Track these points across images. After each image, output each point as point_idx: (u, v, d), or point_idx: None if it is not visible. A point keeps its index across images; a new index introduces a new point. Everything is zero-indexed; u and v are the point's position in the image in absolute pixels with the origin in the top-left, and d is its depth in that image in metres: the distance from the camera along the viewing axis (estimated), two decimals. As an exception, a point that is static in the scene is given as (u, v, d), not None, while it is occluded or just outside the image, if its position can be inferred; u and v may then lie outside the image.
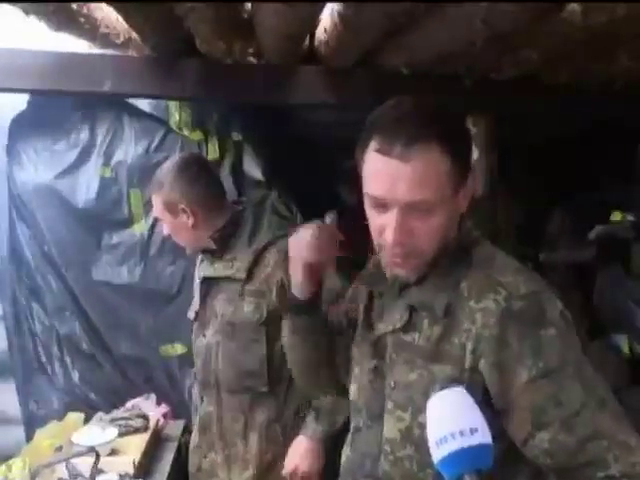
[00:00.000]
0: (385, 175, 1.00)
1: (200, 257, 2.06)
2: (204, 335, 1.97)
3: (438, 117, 1.03)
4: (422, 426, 1.04)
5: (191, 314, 2.04)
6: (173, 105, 2.89)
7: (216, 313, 1.93)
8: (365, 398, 1.18)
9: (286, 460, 1.88)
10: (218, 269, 1.93)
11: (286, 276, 1.77)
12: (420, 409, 1.04)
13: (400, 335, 1.11)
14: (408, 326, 1.09)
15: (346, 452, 1.24)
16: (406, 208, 1.00)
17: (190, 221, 1.91)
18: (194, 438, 2.08)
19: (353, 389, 1.23)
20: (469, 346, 1.01)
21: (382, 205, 1.03)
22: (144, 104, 2.90)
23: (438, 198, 1.01)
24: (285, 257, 1.79)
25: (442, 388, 1.00)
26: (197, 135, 2.93)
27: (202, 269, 2.00)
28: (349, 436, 1.24)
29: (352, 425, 1.23)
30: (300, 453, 1.86)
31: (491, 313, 0.99)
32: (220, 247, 1.93)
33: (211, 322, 1.95)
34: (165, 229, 2.00)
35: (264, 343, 1.86)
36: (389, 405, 1.10)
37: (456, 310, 1.04)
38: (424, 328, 1.07)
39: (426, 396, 1.03)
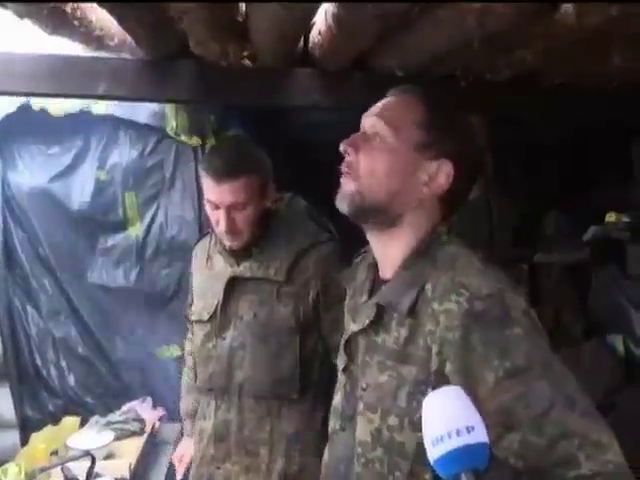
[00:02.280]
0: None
1: (205, 256, 1.92)
2: (223, 337, 1.83)
3: (436, 92, 1.19)
4: (391, 428, 1.04)
5: (203, 315, 1.87)
6: (169, 111, 2.90)
7: (239, 314, 1.81)
8: (340, 400, 1.19)
9: None
10: (250, 269, 1.80)
11: (323, 282, 1.77)
12: (389, 411, 1.05)
13: (371, 336, 1.11)
14: (378, 327, 1.09)
15: (324, 456, 1.24)
16: (369, 129, 1.12)
17: (271, 202, 1.80)
18: (202, 448, 1.90)
19: (336, 392, 1.23)
20: (434, 348, 1.00)
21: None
22: (141, 113, 2.89)
23: (394, 131, 1.09)
24: (324, 263, 1.78)
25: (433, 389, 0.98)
26: (195, 141, 2.94)
27: (221, 268, 1.85)
28: (328, 439, 1.24)
29: (329, 428, 1.23)
30: None
31: (454, 315, 0.98)
32: (253, 244, 1.80)
33: (232, 323, 1.82)
34: (241, 218, 1.73)
35: (297, 347, 1.78)
36: (360, 407, 1.10)
37: (420, 311, 1.04)
38: (392, 329, 1.07)
39: (395, 398, 1.03)
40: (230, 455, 1.84)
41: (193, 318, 1.94)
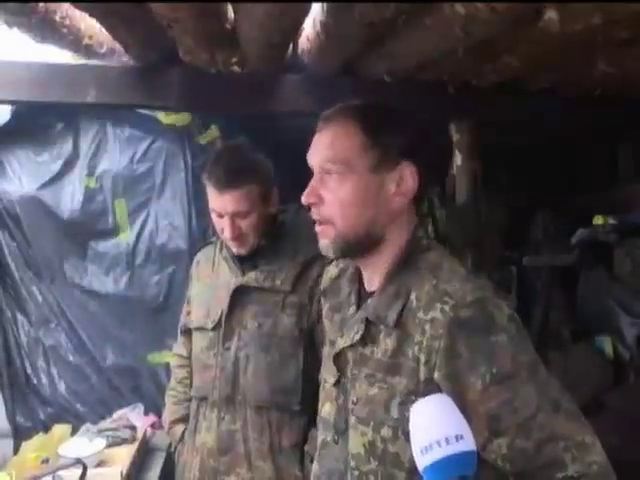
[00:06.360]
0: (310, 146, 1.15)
1: (210, 264, 1.92)
2: (227, 347, 1.81)
3: (363, 105, 1.15)
4: (385, 440, 1.05)
5: (207, 323, 1.86)
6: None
7: (243, 324, 1.80)
8: (331, 414, 1.18)
9: None
10: (256, 280, 1.80)
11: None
12: (382, 422, 1.05)
13: (359, 349, 1.10)
14: (366, 339, 1.09)
15: (315, 468, 1.24)
16: (320, 173, 1.10)
17: (274, 207, 1.80)
18: (201, 462, 1.85)
19: (322, 404, 1.23)
20: (422, 358, 1.01)
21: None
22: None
23: (344, 165, 1.07)
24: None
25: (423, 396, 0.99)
26: (186, 117, 2.92)
27: (226, 277, 1.84)
28: (317, 451, 1.23)
29: (319, 440, 1.22)
30: None
31: (439, 323, 0.99)
32: (260, 252, 1.80)
33: (236, 333, 1.81)
34: (245, 225, 1.74)
35: (301, 358, 1.77)
36: (352, 420, 1.10)
37: (407, 321, 1.04)
38: (380, 340, 1.07)
39: (387, 410, 1.04)
40: (235, 467, 1.81)
41: (194, 325, 1.93)
